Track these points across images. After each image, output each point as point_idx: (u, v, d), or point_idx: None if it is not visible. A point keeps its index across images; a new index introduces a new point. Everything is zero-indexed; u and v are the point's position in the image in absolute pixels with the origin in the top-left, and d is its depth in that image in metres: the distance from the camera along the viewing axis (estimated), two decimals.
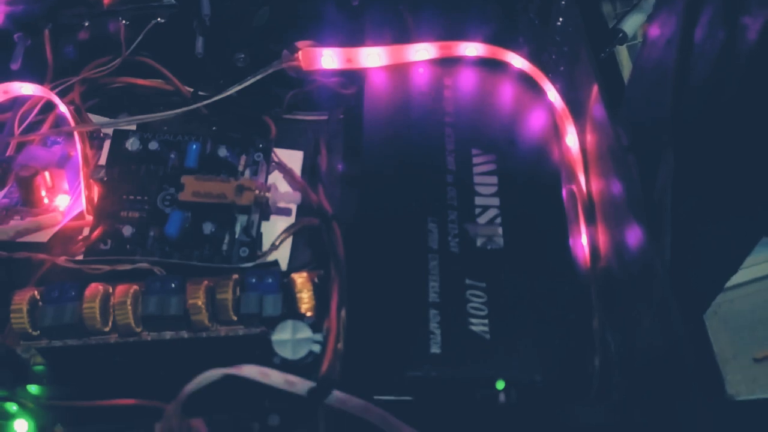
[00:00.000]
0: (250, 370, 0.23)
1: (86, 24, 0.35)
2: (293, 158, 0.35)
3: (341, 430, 0.24)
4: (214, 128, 0.36)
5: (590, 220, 0.31)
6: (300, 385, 0.24)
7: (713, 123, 0.21)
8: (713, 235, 0.24)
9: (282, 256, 0.33)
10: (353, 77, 0.35)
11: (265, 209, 0.32)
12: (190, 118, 0.36)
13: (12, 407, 0.24)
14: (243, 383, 0.25)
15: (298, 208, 0.34)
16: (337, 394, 0.24)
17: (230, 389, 0.25)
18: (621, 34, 0.41)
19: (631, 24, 0.42)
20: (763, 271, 0.31)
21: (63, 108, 0.33)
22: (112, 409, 0.24)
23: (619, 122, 0.27)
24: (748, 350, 0.30)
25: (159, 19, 0.35)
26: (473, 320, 0.27)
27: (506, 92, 0.33)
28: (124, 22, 0.35)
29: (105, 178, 0.31)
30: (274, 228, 0.33)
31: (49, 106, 0.35)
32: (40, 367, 0.27)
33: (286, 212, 0.34)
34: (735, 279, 0.32)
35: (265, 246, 0.32)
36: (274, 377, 0.24)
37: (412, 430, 0.22)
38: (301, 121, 0.37)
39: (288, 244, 0.33)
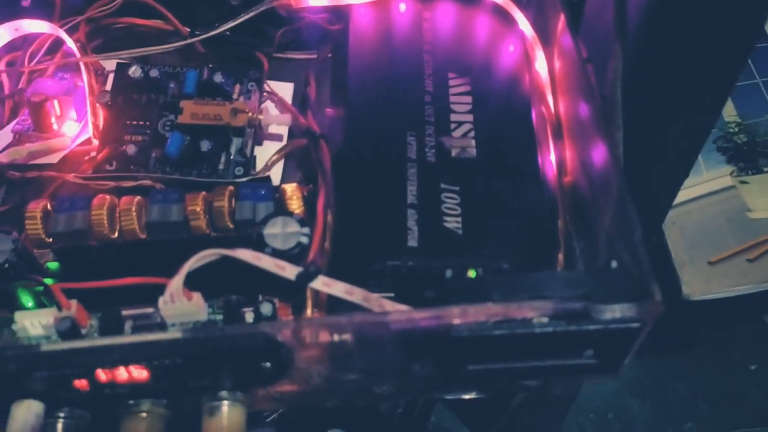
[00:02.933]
0: (244, 253, 0.26)
1: None
2: (284, 89, 0.37)
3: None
4: (210, 65, 0.38)
5: (558, 139, 0.33)
6: (289, 269, 0.26)
7: (658, 17, 0.23)
8: (666, 131, 0.27)
9: (275, 176, 0.35)
10: (339, 14, 0.38)
11: (258, 132, 0.35)
12: (188, 57, 0.39)
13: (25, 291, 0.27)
14: (238, 276, 0.28)
15: (289, 133, 0.36)
16: (322, 278, 0.27)
17: (226, 277, 0.28)
18: None
19: None
20: (718, 185, 0.34)
21: (70, 43, 0.35)
22: (118, 289, 0.27)
23: (579, 37, 0.29)
24: (704, 255, 0.32)
25: None
26: (447, 218, 0.29)
27: (480, 22, 0.36)
28: None
29: (109, 102, 0.34)
30: (267, 152, 0.36)
31: (57, 46, 0.38)
32: (54, 264, 0.29)
33: (278, 138, 0.36)
34: (692, 193, 0.35)
35: (259, 167, 0.35)
36: (266, 261, 0.26)
37: (393, 303, 0.25)
38: (292, 59, 0.40)
39: (280, 166, 0.35)
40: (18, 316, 0.25)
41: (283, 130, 0.36)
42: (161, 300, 0.25)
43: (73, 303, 0.25)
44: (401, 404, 0.71)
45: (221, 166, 0.34)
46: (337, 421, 0.61)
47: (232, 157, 0.34)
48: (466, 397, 0.29)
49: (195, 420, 0.27)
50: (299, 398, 0.28)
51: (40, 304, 0.29)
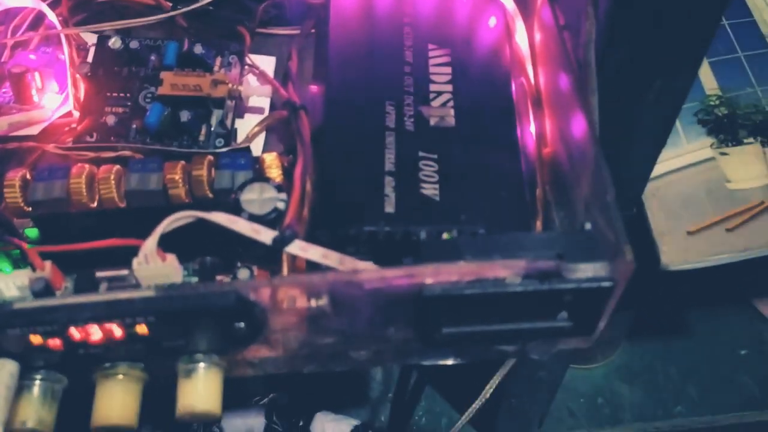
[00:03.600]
0: (219, 216, 0.26)
1: None
2: (266, 63, 0.37)
3: None
4: (192, 40, 0.38)
5: (538, 110, 0.34)
6: (264, 233, 0.27)
7: None
8: (641, 96, 0.27)
9: (256, 149, 0.35)
10: None
11: (239, 104, 0.35)
12: (170, 32, 0.39)
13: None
14: (214, 242, 0.28)
15: (271, 106, 0.36)
16: (299, 242, 0.27)
17: (202, 242, 0.28)
18: None
19: None
20: (698, 157, 0.34)
21: (52, 16, 0.35)
22: (94, 252, 0.27)
23: (558, 4, 0.29)
24: (683, 226, 0.33)
25: None
26: (424, 185, 0.29)
27: None
28: None
29: (89, 73, 0.34)
30: (248, 124, 0.36)
31: (39, 21, 0.38)
32: (33, 231, 0.29)
33: (259, 111, 0.36)
34: (672, 165, 0.35)
35: (239, 140, 0.35)
36: (241, 225, 0.26)
37: (368, 264, 0.25)
38: (275, 35, 0.40)
39: (261, 138, 0.36)
40: None
41: (265, 103, 0.36)
42: (135, 261, 0.25)
43: (47, 264, 0.25)
44: (392, 389, 0.71)
45: (202, 138, 0.34)
46: (326, 405, 0.61)
47: (212, 129, 0.34)
48: (443, 363, 0.29)
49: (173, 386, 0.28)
50: (276, 364, 0.28)
51: (17, 269, 0.29)
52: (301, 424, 0.59)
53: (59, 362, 0.25)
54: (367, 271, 0.24)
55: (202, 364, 0.26)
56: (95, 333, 0.23)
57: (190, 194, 0.31)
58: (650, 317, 0.67)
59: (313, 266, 0.27)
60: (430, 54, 0.34)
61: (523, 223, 0.29)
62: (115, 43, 0.35)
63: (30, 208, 0.31)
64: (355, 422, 0.58)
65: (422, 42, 0.34)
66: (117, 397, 0.25)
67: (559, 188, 0.32)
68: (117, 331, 0.23)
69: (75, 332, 0.23)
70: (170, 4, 0.39)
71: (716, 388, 0.68)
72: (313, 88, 0.37)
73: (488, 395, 0.40)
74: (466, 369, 0.59)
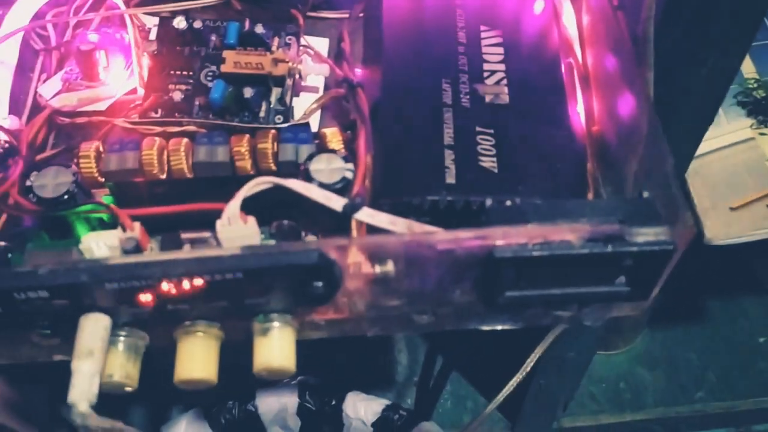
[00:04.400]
0: (295, 183, 0.27)
1: None
2: (319, 44, 0.39)
3: None
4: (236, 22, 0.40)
5: (586, 89, 0.35)
6: (336, 200, 0.28)
7: None
8: (694, 73, 0.28)
9: (312, 125, 0.37)
10: None
11: (296, 82, 0.36)
12: (224, 14, 0.40)
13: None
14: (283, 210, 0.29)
15: (324, 86, 0.38)
16: (366, 209, 0.28)
17: (272, 209, 0.29)
18: None
19: None
20: (739, 137, 0.35)
21: None
22: (173, 216, 0.28)
23: None
24: (726, 202, 0.34)
25: None
26: (482, 158, 0.31)
27: None
28: None
29: (156, 50, 0.35)
30: (304, 102, 0.37)
31: (98, 2, 0.39)
32: (108, 198, 0.31)
33: (313, 90, 0.38)
34: (714, 144, 0.36)
35: (297, 117, 0.36)
36: (314, 191, 0.28)
37: (437, 228, 0.26)
38: (325, 18, 0.41)
39: (317, 116, 0.37)
40: (84, 237, 0.26)
41: (319, 82, 0.38)
42: (219, 222, 0.26)
43: (137, 225, 0.26)
44: (417, 372, 0.72)
45: (262, 114, 0.35)
46: (353, 387, 0.62)
47: (271, 106, 0.35)
48: (500, 328, 0.31)
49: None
50: (341, 326, 0.30)
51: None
52: (333, 403, 0.60)
53: (143, 320, 0.27)
54: (440, 232, 0.25)
55: (276, 324, 0.27)
56: (185, 288, 0.25)
57: (254, 166, 0.33)
58: (671, 304, 0.68)
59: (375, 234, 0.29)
60: (483, 35, 0.35)
61: (577, 195, 0.31)
62: (179, 23, 0.36)
63: (102, 179, 0.32)
64: (386, 402, 0.60)
65: (474, 23, 0.35)
66: (198, 353, 0.27)
67: (606, 164, 0.33)
68: (204, 288, 0.25)
69: (167, 287, 0.24)
70: None
71: (735, 375, 0.69)
72: (366, 68, 0.38)
73: (528, 369, 0.41)
74: (492, 354, 0.61)
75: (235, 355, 0.29)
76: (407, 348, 0.73)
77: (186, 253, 0.24)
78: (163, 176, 0.32)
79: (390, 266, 0.27)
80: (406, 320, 0.29)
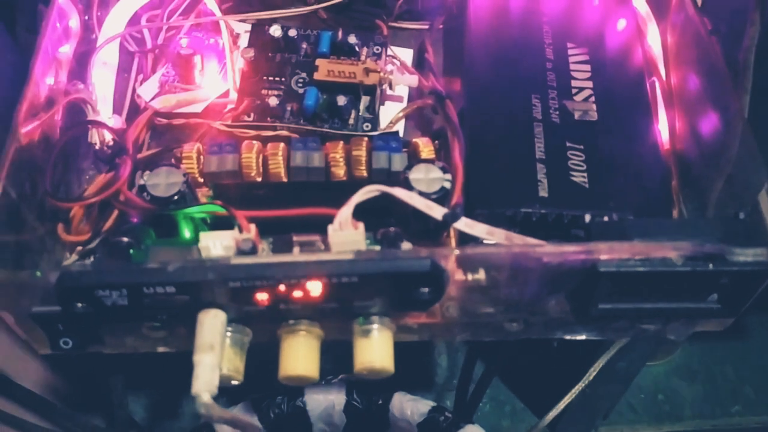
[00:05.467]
0: (400, 192, 0.28)
1: None
2: (404, 54, 0.40)
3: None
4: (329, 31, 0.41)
5: (669, 108, 0.36)
6: (437, 209, 0.29)
7: None
8: None
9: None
10: None
11: (383, 91, 0.37)
12: (309, 22, 0.42)
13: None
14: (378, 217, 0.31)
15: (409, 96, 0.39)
16: (465, 219, 0.29)
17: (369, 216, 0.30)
18: None
19: None
20: None
21: (211, 3, 0.38)
22: (283, 219, 0.29)
23: (702, 12, 0.32)
24: None
25: None
26: (573, 173, 0.32)
27: None
28: None
29: (252, 57, 0.37)
30: (388, 110, 0.38)
31: (190, 7, 0.41)
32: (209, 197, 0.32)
33: (398, 99, 0.39)
34: None
35: (382, 125, 0.37)
36: (417, 200, 0.29)
37: (537, 241, 0.27)
38: (406, 29, 0.42)
39: (401, 124, 0.38)
40: (202, 236, 0.27)
41: (404, 91, 0.39)
42: (331, 227, 0.27)
43: (252, 227, 0.28)
44: (457, 375, 0.73)
45: (351, 121, 0.36)
46: (395, 387, 0.63)
47: (360, 113, 0.37)
48: (581, 337, 0.32)
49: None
50: (432, 330, 0.31)
51: (197, 233, 0.31)
52: (380, 402, 0.61)
53: (249, 316, 0.28)
54: (548, 245, 0.26)
55: (376, 326, 0.29)
56: (302, 289, 0.26)
57: (347, 172, 0.34)
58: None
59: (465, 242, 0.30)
60: (570, 52, 0.36)
61: (666, 211, 0.32)
62: (275, 31, 0.37)
63: (202, 179, 0.34)
64: (432, 403, 0.61)
65: (561, 40, 0.36)
66: (302, 351, 0.28)
67: (687, 181, 0.34)
68: (319, 290, 0.26)
69: (284, 288, 0.26)
70: None
71: None
72: (447, 78, 0.39)
73: (591, 377, 0.42)
74: (531, 359, 0.61)
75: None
76: (447, 351, 0.74)
77: (306, 256, 0.26)
78: (259, 179, 0.34)
79: (481, 275, 0.28)
80: (497, 327, 0.30)
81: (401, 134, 0.38)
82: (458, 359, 0.73)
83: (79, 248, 0.33)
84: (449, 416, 0.61)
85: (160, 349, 0.31)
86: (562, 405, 0.43)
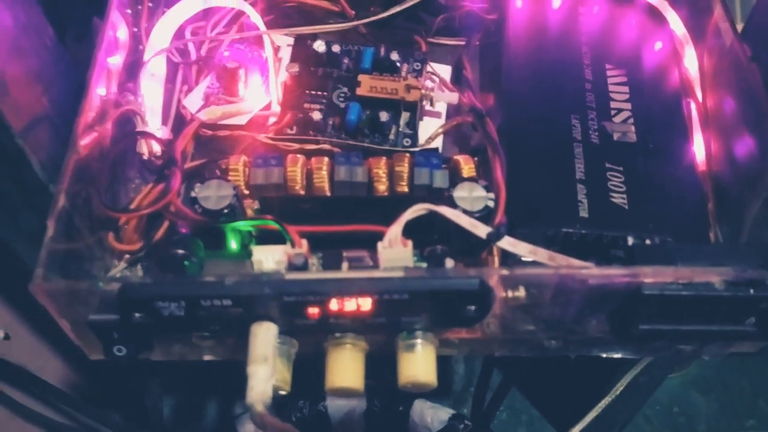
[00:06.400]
0: (447, 210, 0.29)
1: None
2: (443, 70, 0.41)
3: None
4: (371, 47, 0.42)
5: (705, 131, 0.36)
6: (481, 228, 0.30)
7: None
8: None
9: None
10: (496, 4, 0.41)
11: (423, 108, 0.38)
12: (348, 37, 0.42)
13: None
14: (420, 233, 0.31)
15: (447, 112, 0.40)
16: (508, 238, 0.30)
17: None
18: None
19: None
20: None
21: (255, 17, 0.39)
22: (331, 234, 0.30)
23: (743, 38, 0.32)
24: None
25: None
26: (613, 194, 0.32)
27: (634, 21, 0.39)
28: None
29: (297, 71, 0.37)
30: (428, 126, 0.39)
31: (233, 19, 0.42)
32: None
33: (436, 114, 0.39)
34: None
35: (421, 140, 0.38)
36: (463, 219, 0.29)
37: (582, 262, 0.28)
38: (443, 44, 0.43)
39: (440, 139, 0.39)
40: (255, 251, 0.28)
41: (443, 107, 0.39)
42: (380, 244, 0.28)
43: (304, 242, 0.28)
44: (474, 383, 0.74)
45: (392, 137, 0.37)
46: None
47: (400, 129, 0.37)
48: (618, 356, 0.32)
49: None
50: (472, 345, 0.32)
51: (243, 246, 0.32)
52: (401, 408, 0.62)
53: (297, 329, 0.29)
54: (594, 268, 0.27)
55: (419, 340, 0.29)
56: (353, 305, 0.27)
57: (389, 188, 0.35)
58: None
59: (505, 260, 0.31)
60: (608, 73, 0.37)
61: (702, 233, 0.32)
62: (319, 46, 0.38)
63: (247, 191, 0.34)
64: (451, 411, 0.61)
65: (599, 61, 0.37)
66: (348, 364, 0.29)
67: (722, 204, 0.35)
68: (369, 305, 0.27)
69: (336, 303, 0.26)
70: (353, 12, 0.42)
71: None
72: (484, 94, 0.40)
73: (618, 392, 0.42)
74: (549, 370, 0.62)
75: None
76: (464, 359, 0.75)
77: (358, 273, 0.26)
78: (303, 192, 0.34)
79: (522, 292, 0.29)
80: (536, 344, 0.31)
81: (440, 149, 0.39)
82: (475, 367, 0.74)
83: (127, 256, 0.34)
84: (468, 424, 0.61)
85: (207, 357, 0.32)
86: (588, 419, 0.44)
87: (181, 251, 0.29)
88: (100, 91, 0.34)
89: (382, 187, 0.34)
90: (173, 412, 0.63)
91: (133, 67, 0.38)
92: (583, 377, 0.55)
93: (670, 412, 0.71)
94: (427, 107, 0.39)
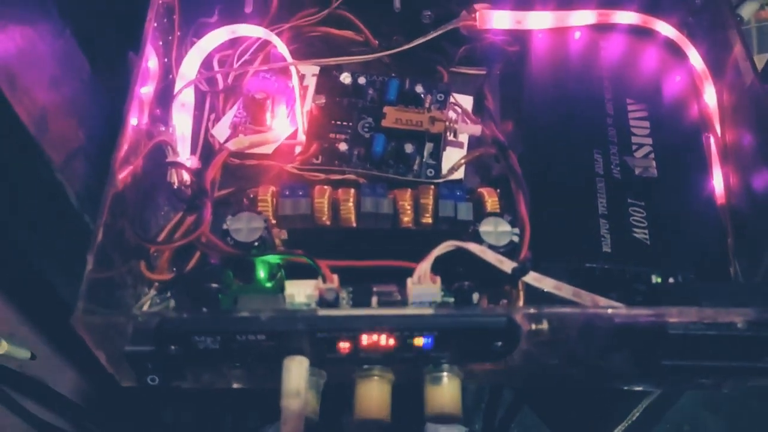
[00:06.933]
0: (474, 246, 0.30)
1: None
2: (465, 101, 0.41)
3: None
4: (393, 74, 0.42)
5: (724, 164, 0.37)
6: (507, 263, 0.30)
7: None
8: None
9: (456, 176, 0.39)
10: (518, 36, 0.42)
11: (446, 139, 0.39)
12: (371, 66, 0.43)
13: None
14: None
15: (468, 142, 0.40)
16: (533, 273, 0.31)
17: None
18: (738, 18, 0.47)
19: (748, 10, 0.48)
20: None
21: (282, 48, 0.39)
22: (362, 269, 0.31)
23: (763, 78, 0.33)
24: None
25: None
26: (636, 230, 0.33)
27: (654, 55, 0.40)
28: None
29: (324, 103, 0.38)
30: (450, 157, 0.39)
31: (259, 48, 0.42)
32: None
33: (458, 145, 0.40)
34: None
35: (444, 170, 0.39)
36: (489, 254, 0.30)
37: (607, 300, 0.29)
38: (464, 74, 0.44)
39: (462, 170, 0.39)
40: (288, 285, 0.29)
41: (465, 138, 0.40)
42: (410, 280, 0.29)
43: (335, 277, 0.29)
44: (485, 399, 0.74)
45: (416, 167, 0.38)
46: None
47: (424, 160, 0.38)
48: (639, 389, 0.33)
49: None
50: (495, 376, 0.32)
51: (271, 276, 0.33)
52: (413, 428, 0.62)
53: (326, 360, 0.30)
54: (621, 308, 0.27)
55: (446, 373, 0.30)
56: (384, 340, 0.27)
57: (414, 220, 0.35)
58: None
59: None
60: (629, 108, 0.37)
61: (723, 268, 0.33)
62: (345, 78, 0.39)
63: (275, 221, 0.35)
64: (465, 429, 0.62)
65: (620, 95, 0.38)
66: (375, 396, 0.29)
67: (740, 238, 0.35)
68: (398, 341, 0.27)
69: (367, 338, 0.27)
70: (377, 42, 0.43)
71: None
72: (506, 123, 0.40)
73: (635, 418, 0.43)
74: (563, 389, 0.62)
75: None
76: None
77: (389, 310, 0.27)
78: (329, 223, 0.35)
79: (546, 326, 0.30)
80: (559, 376, 0.32)
81: (462, 178, 0.39)
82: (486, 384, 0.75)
83: (156, 284, 0.34)
84: None
85: (235, 386, 0.32)
86: None
87: (215, 285, 0.29)
88: (132, 120, 0.35)
89: (406, 219, 0.35)
90: (192, 425, 0.64)
91: (163, 96, 0.38)
92: (596, 396, 0.56)
93: (680, 430, 0.72)
94: (450, 137, 0.40)
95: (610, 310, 0.27)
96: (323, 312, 0.27)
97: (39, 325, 0.45)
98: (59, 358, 0.55)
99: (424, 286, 0.29)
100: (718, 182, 0.36)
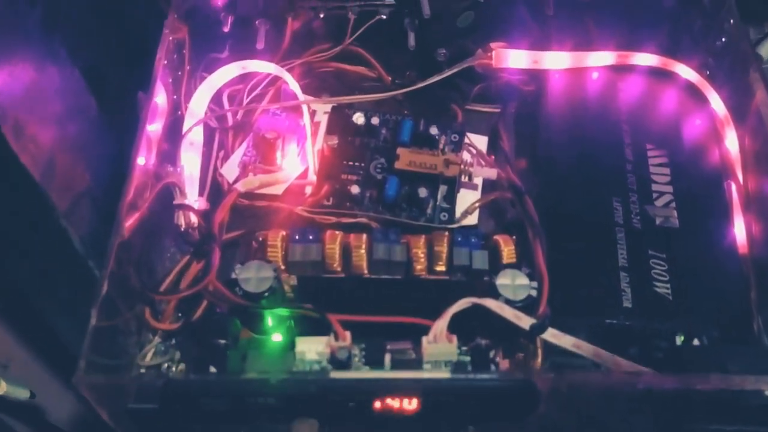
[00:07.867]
0: (491, 302, 0.29)
1: (321, 15, 0.41)
2: (479, 142, 0.40)
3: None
4: (405, 112, 0.41)
5: (746, 212, 0.36)
6: (525, 319, 0.29)
7: None
8: None
9: (471, 219, 0.38)
10: (534, 75, 0.41)
11: (460, 182, 0.38)
12: (382, 103, 0.42)
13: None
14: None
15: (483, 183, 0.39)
16: (551, 330, 0.30)
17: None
18: (759, 58, 0.46)
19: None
20: None
21: (294, 84, 0.39)
22: (378, 324, 0.30)
23: None
24: None
25: (381, 15, 0.41)
26: (657, 283, 0.32)
27: (674, 99, 0.39)
28: (352, 15, 0.41)
29: (336, 144, 0.37)
30: (464, 199, 0.39)
31: (272, 81, 0.41)
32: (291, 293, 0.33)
33: (473, 187, 0.39)
34: None
35: (458, 213, 0.38)
36: (506, 310, 0.29)
37: (630, 363, 0.27)
38: (478, 111, 0.43)
39: (476, 213, 0.38)
40: (298, 342, 0.28)
41: (479, 180, 0.39)
42: (425, 339, 0.28)
43: (348, 334, 0.28)
44: None
45: (429, 211, 0.37)
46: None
47: (437, 203, 0.37)
48: None
49: None
50: None
51: (277, 326, 0.32)
52: None
53: (335, 423, 0.28)
54: (646, 374, 0.26)
55: None
56: (395, 404, 0.26)
57: (428, 268, 0.34)
58: None
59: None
60: (649, 153, 0.36)
61: (746, 324, 0.32)
62: (358, 119, 0.38)
63: (284, 266, 0.34)
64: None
65: (640, 140, 0.37)
66: None
67: (765, 289, 0.34)
68: (415, 405, 0.26)
69: (378, 403, 0.26)
70: (390, 78, 0.42)
71: None
72: (520, 161, 0.39)
73: None
74: None
75: None
76: None
77: (404, 373, 0.26)
78: (340, 269, 0.34)
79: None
80: None
81: (476, 221, 0.38)
82: None
83: (160, 331, 0.33)
84: None
85: None
86: None
87: (222, 341, 0.28)
88: (140, 161, 0.34)
89: (420, 267, 0.34)
90: None
91: (171, 132, 0.38)
92: None
93: None
94: (465, 179, 0.39)
95: (635, 377, 0.26)
96: (335, 374, 0.26)
97: (40, 361, 0.44)
98: (59, 393, 0.54)
99: (440, 346, 0.28)
100: (740, 231, 0.35)
